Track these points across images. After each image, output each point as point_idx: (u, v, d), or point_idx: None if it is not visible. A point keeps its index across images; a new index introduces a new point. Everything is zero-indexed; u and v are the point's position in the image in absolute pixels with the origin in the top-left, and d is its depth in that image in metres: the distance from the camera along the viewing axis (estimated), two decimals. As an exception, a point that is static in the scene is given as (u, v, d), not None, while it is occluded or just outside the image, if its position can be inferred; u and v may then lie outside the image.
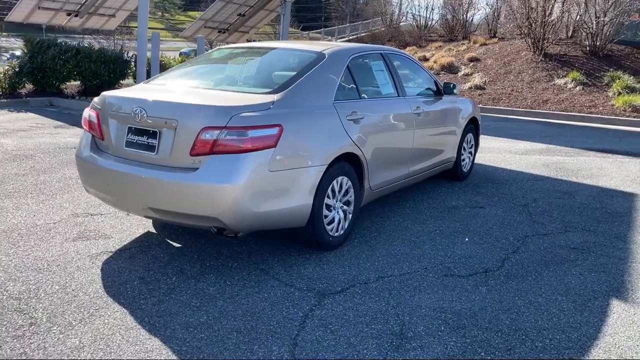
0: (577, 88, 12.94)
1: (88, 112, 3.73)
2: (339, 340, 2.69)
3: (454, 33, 21.20)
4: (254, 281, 3.35)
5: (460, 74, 15.20)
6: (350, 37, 24.93)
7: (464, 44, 18.87)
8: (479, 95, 13.56)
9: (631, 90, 12.20)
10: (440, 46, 19.46)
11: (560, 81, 13.40)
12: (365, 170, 3.97)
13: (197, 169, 3.19)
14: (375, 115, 4.16)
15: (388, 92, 4.60)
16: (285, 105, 3.41)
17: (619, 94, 12.12)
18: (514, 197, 5.24)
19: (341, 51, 4.20)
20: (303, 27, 53.02)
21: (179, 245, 3.96)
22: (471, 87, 14.03)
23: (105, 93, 3.74)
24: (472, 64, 15.86)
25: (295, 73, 3.82)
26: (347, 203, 3.87)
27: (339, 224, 3.78)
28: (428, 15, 22.89)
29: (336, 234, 3.75)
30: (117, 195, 3.49)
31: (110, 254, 3.77)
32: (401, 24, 26.09)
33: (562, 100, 12.48)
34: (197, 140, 3.15)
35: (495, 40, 18.25)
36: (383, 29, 25.77)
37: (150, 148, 3.32)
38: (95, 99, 3.75)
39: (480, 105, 12.80)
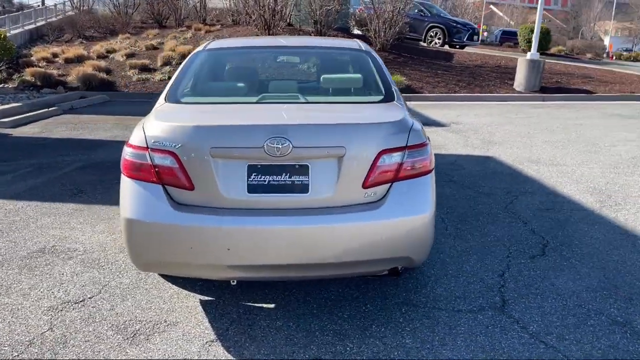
0: (321, 70, 14.38)
1: (151, 156, 2.70)
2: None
3: (162, 19, 20.51)
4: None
5: (204, 62, 15.01)
6: (38, 25, 21.47)
7: (184, 31, 18.52)
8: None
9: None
10: (158, 33, 18.61)
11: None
12: None
13: (377, 202, 2.75)
14: None
15: None
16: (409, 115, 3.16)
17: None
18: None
19: (368, 46, 3.98)
20: None
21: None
22: (226, 75, 14.08)
23: (179, 124, 2.76)
24: (211, 51, 15.81)
25: (365, 74, 3.52)
26: None
27: None
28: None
29: None
30: (247, 260, 2.68)
31: None
32: (94, 7, 23.71)
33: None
34: (375, 167, 2.71)
35: (219, 27, 18.48)
36: (71, 13, 23.03)
37: (298, 188, 2.68)
38: (159, 133, 2.73)
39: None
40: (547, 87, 13.68)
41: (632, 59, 33.97)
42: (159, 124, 2.78)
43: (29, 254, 3.95)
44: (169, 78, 14.32)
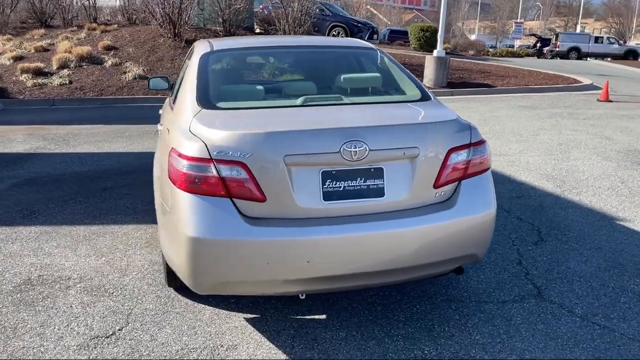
0: (235, 71, 14.06)
1: (217, 168, 2.48)
2: None
3: (47, 18, 18.86)
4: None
5: (107, 64, 14.04)
6: None
7: (76, 31, 17.16)
8: (150, 85, 13.03)
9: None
10: (45, 34, 17.08)
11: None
12: None
13: (447, 201, 2.75)
14: None
15: None
16: None
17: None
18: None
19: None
20: None
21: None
22: (135, 77, 13.27)
23: (248, 132, 2.57)
24: (112, 52, 14.80)
25: (388, 72, 3.50)
26: None
27: None
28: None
29: None
30: (326, 271, 2.56)
31: None
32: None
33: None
34: (445, 166, 2.71)
35: (115, 26, 17.35)
36: None
37: (373, 192, 2.62)
38: (225, 143, 2.51)
39: (151, 96, 12.46)
40: (453, 83, 14.49)
41: (497, 54, 36.76)
42: (223, 133, 2.54)
43: (15, 287, 3.44)
44: (71, 82, 13.26)
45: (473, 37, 59.13)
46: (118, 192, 5.49)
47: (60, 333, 2.93)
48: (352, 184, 2.59)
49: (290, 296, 3.22)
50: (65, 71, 13.49)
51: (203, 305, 3.22)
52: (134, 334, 2.93)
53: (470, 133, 2.82)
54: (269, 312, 3.14)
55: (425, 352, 2.76)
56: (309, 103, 2.99)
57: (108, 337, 2.90)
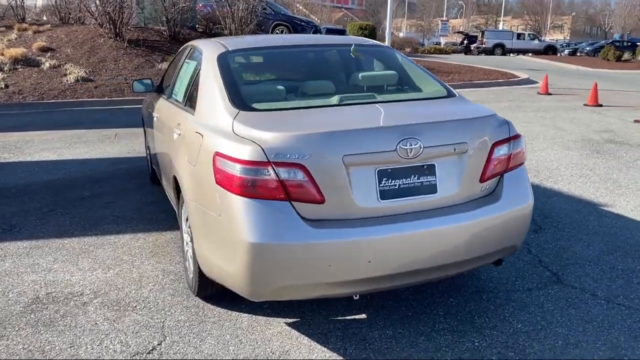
0: (184, 71, 13.69)
1: (276, 171, 2.42)
2: None
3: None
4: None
5: (45, 66, 13.28)
6: None
7: (4, 31, 16.09)
8: (95, 88, 12.47)
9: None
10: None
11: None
12: None
13: (492, 195, 2.83)
14: None
15: None
16: None
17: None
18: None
19: None
20: None
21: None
22: (77, 80, 12.65)
23: (306, 132, 2.52)
24: (49, 54, 14.03)
25: (408, 70, 3.54)
26: None
27: None
28: None
29: None
30: (386, 270, 2.57)
31: None
32: None
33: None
34: (490, 160, 2.79)
35: (49, 26, 16.42)
36: None
37: (426, 189, 2.65)
38: (283, 144, 2.46)
39: (97, 99, 12.00)
40: (401, 79, 14.81)
41: (427, 52, 37.81)
42: (278, 135, 2.47)
43: (25, 307, 3.21)
44: (7, 86, 12.41)
45: (401, 35, 60.58)
46: (99, 200, 5.22)
47: (96, 352, 2.75)
48: (407, 182, 2.60)
49: (328, 298, 3.18)
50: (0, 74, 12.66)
51: (237, 313, 3.13)
52: (176, 347, 2.80)
53: (508, 127, 2.90)
54: (308, 315, 3.10)
55: (476, 343, 2.82)
56: (346, 102, 2.97)
57: (149, 352, 2.75)
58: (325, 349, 2.78)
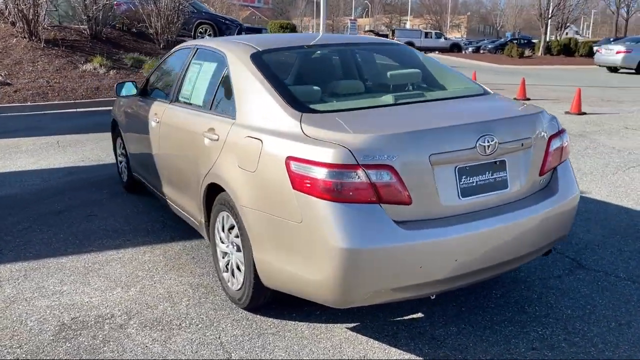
0: (112, 72, 12.95)
1: (367, 173, 2.37)
2: None
3: None
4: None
5: (-47, 69, 12.06)
6: None
7: None
8: (15, 92, 11.48)
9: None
10: None
11: (88, 67, 12.94)
12: None
13: (548, 187, 2.95)
14: None
15: None
16: None
17: (156, 74, 13.06)
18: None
19: None
20: None
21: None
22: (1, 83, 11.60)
23: (393, 133, 2.49)
24: (-46, 56, 12.74)
25: (439, 69, 3.59)
26: None
27: None
28: None
29: None
30: (470, 267, 2.61)
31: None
32: None
33: (113, 87, 12.28)
34: (548, 154, 2.91)
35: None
36: None
37: (499, 185, 2.73)
38: (371, 146, 2.41)
39: (19, 104, 11.12)
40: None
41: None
42: (364, 136, 2.40)
43: (55, 336, 2.90)
44: None
45: (311, 34, 60.95)
46: (77, 214, 4.82)
47: (164, 378, 2.54)
48: (482, 179, 2.63)
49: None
50: None
51: (292, 322, 3.01)
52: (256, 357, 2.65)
53: (557, 122, 3.02)
54: (367, 319, 3.04)
55: (540, 332, 2.90)
56: (401, 101, 2.95)
57: (226, 370, 2.59)
58: (401, 350, 2.75)
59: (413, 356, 2.70)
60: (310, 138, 2.51)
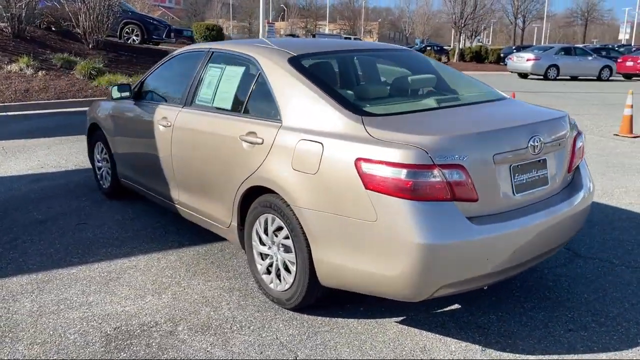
0: (41, 73, 12.19)
1: (442, 172, 2.53)
2: None
3: None
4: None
5: None
6: None
7: None
8: None
9: (99, 71, 12.76)
10: None
11: (13, 67, 12.11)
12: None
13: (573, 183, 3.25)
14: None
15: None
16: None
17: (91, 75, 12.48)
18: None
19: None
20: None
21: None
22: None
23: (463, 133, 2.68)
24: None
25: (437, 74, 3.80)
26: None
27: None
28: None
29: None
30: (523, 258, 2.85)
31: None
32: None
33: (45, 89, 11.61)
34: (574, 152, 3.21)
35: None
36: None
37: (541, 181, 3.00)
38: (444, 147, 2.58)
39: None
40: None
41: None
42: (437, 137, 2.54)
43: (105, 346, 2.79)
44: None
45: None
46: (64, 223, 4.58)
47: (241, 381, 2.54)
48: (530, 176, 2.85)
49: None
50: None
51: (342, 320, 3.09)
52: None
53: (575, 123, 3.32)
54: (411, 312, 3.17)
55: (569, 315, 3.17)
56: (444, 105, 3.12)
57: (297, 371, 2.62)
58: (455, 339, 2.91)
59: (469, 343, 2.87)
60: (379, 140, 2.61)
